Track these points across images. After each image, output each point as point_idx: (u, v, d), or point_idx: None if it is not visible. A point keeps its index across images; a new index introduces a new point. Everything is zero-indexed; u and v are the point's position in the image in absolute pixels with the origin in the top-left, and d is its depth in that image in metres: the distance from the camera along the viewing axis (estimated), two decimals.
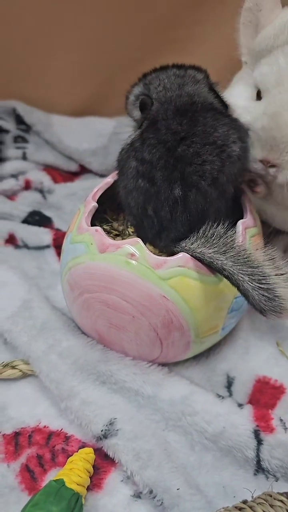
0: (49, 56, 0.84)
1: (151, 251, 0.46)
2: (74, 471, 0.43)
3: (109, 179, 0.56)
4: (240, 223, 0.51)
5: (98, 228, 0.48)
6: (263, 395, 0.53)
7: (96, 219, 0.55)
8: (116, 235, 0.56)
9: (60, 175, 0.85)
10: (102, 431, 0.46)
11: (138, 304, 0.46)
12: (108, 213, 0.60)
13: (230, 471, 0.46)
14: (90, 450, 0.46)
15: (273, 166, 0.50)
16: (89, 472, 0.44)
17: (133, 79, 0.88)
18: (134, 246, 0.46)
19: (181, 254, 0.46)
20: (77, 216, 0.53)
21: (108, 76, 0.88)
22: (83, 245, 0.48)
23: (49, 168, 0.85)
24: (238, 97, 0.54)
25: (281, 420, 0.48)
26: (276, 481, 0.45)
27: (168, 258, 0.46)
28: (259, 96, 0.52)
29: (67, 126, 0.85)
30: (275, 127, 0.48)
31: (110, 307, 0.48)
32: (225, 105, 0.53)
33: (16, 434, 0.48)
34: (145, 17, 0.82)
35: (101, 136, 0.84)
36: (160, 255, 0.47)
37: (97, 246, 0.47)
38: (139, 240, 0.46)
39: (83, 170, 0.87)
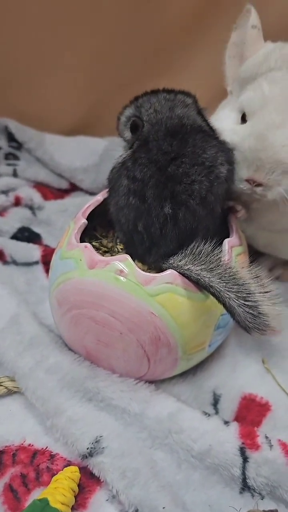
0: (44, 75, 0.86)
1: (140, 268, 0.47)
2: (58, 490, 0.42)
3: (99, 197, 0.57)
4: (226, 241, 0.52)
5: (88, 244, 0.49)
6: (249, 413, 0.53)
7: (86, 236, 0.56)
8: (105, 252, 0.57)
9: (51, 192, 0.86)
10: (88, 449, 0.46)
11: (126, 320, 0.46)
12: (97, 230, 0.60)
13: (216, 490, 0.46)
14: (76, 468, 0.46)
15: (259, 185, 0.51)
16: (74, 491, 0.44)
17: (126, 101, 0.90)
18: (123, 262, 0.47)
19: (169, 271, 0.47)
20: (66, 232, 0.54)
21: (101, 97, 0.90)
22: (72, 261, 0.49)
23: (39, 185, 0.86)
24: (224, 121, 0.57)
25: (266, 437, 0.48)
26: (262, 499, 0.45)
27: (157, 274, 0.47)
28: (244, 119, 0.54)
29: (59, 144, 0.87)
30: (261, 148, 0.49)
31: (98, 324, 0.48)
32: (212, 129, 0.55)
33: (0, 453, 0.47)
34: (139, 42, 0.85)
35: (93, 155, 0.85)
36: (149, 272, 0.48)
37: (87, 262, 0.48)
38: (128, 256, 0.47)
39: (74, 188, 0.88)
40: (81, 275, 0.48)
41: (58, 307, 0.52)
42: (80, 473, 0.46)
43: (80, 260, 0.48)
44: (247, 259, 0.56)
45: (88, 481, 0.46)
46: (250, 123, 0.52)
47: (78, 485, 0.45)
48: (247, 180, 0.52)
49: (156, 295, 0.46)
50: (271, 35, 0.58)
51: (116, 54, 0.85)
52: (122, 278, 0.46)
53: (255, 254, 0.67)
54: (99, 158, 0.85)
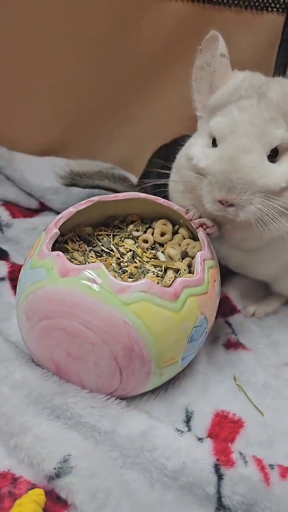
0: (18, 96, 0.87)
1: (114, 276, 0.46)
2: None
3: (72, 209, 0.57)
4: (199, 254, 0.53)
5: (60, 253, 0.48)
6: (222, 430, 0.52)
7: (57, 250, 0.55)
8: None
9: (20, 211, 0.85)
10: (55, 469, 0.43)
11: (99, 330, 0.45)
12: (69, 244, 0.60)
13: (191, 510, 0.44)
14: (41, 491, 0.42)
15: (231, 205, 0.53)
16: None
17: (98, 125, 0.93)
18: (96, 270, 0.46)
19: (144, 280, 0.47)
20: (37, 243, 0.52)
21: (74, 121, 0.91)
22: (43, 269, 0.48)
23: (8, 204, 0.85)
24: (196, 146, 0.59)
25: (241, 453, 0.47)
26: None
27: (132, 283, 0.46)
28: (214, 143, 0.56)
29: (30, 164, 0.86)
30: (232, 170, 0.51)
31: (69, 334, 0.46)
32: None
33: None
34: (114, 68, 0.87)
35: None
36: (125, 281, 0.47)
37: (59, 270, 0.46)
38: (101, 265, 0.46)
39: (43, 208, 0.88)
40: (53, 283, 0.46)
41: (26, 320, 0.49)
42: (45, 496, 0.42)
43: (52, 268, 0.47)
44: (218, 274, 0.57)
45: (54, 505, 0.42)
46: (221, 147, 0.54)
47: (44, 510, 0.41)
48: (220, 201, 0.53)
49: (131, 304, 0.45)
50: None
51: (91, 79, 0.88)
52: (95, 286, 0.45)
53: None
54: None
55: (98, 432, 0.48)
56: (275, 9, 0.85)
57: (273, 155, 0.53)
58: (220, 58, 0.58)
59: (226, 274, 0.73)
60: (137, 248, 0.61)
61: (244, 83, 0.56)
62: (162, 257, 0.60)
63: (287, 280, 0.67)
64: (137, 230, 0.65)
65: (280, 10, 0.85)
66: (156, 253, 0.61)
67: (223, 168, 0.52)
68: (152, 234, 0.63)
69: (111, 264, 0.57)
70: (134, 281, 0.49)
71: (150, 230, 0.64)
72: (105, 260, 0.57)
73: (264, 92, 0.54)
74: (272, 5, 0.84)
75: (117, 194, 0.62)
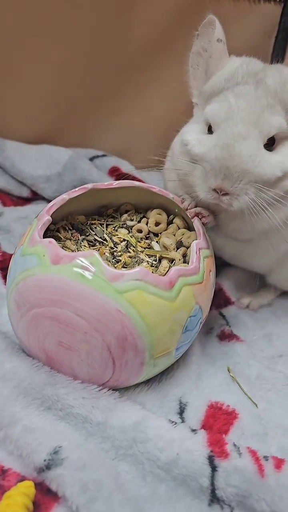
0: (9, 84, 0.85)
1: (108, 264, 0.45)
2: (11, 508, 0.38)
3: (65, 196, 0.55)
4: (194, 243, 0.52)
5: (52, 239, 0.47)
6: (216, 421, 0.51)
7: (49, 238, 0.53)
8: None
9: (11, 200, 0.83)
10: (45, 460, 0.42)
11: (92, 318, 0.44)
12: (61, 232, 0.58)
13: (184, 503, 0.43)
14: (30, 483, 0.41)
15: (226, 194, 0.52)
16: (29, 509, 0.39)
17: (91, 114, 0.91)
18: (89, 258, 0.45)
19: (138, 268, 0.46)
20: (29, 230, 0.51)
21: (66, 109, 0.89)
22: (35, 257, 0.46)
23: None
24: (191, 133, 0.57)
25: (235, 445, 0.46)
26: (231, 511, 0.43)
27: (126, 271, 0.45)
28: (210, 130, 0.55)
29: (22, 152, 0.84)
30: (228, 157, 0.50)
31: (61, 323, 0.45)
32: None
33: None
34: (106, 57, 0.86)
35: (57, 164, 0.84)
36: (115, 267, 0.46)
37: (50, 257, 0.45)
38: (95, 252, 0.45)
39: (35, 197, 0.86)
40: (44, 271, 0.45)
41: (17, 308, 0.48)
42: (35, 489, 0.41)
43: (44, 255, 0.46)
44: (214, 264, 0.56)
45: (44, 497, 0.41)
46: (217, 133, 0.53)
47: (33, 503, 0.40)
48: (215, 189, 0.52)
49: (124, 292, 0.44)
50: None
51: (84, 67, 0.86)
52: (88, 274, 0.44)
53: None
54: (63, 167, 0.84)
55: (90, 423, 0.47)
56: (272, 0, 0.84)
57: (270, 144, 0.52)
58: (217, 43, 0.57)
59: (221, 265, 0.72)
60: (131, 237, 0.60)
61: (241, 69, 0.55)
62: (156, 247, 0.59)
63: (281, 272, 0.67)
64: (131, 220, 0.64)
65: (277, 0, 0.83)
66: (150, 242, 0.60)
67: (219, 155, 0.50)
68: (147, 223, 0.62)
69: (104, 254, 0.55)
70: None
71: (144, 219, 0.63)
72: (98, 250, 0.56)
73: (262, 78, 0.53)
74: None
75: (111, 182, 0.61)
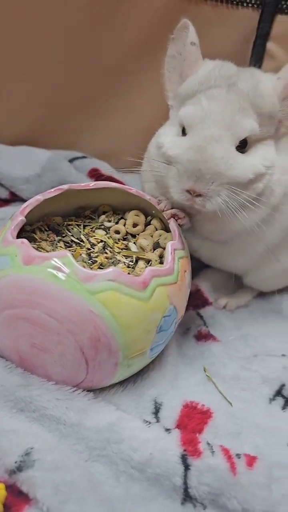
0: None
1: (83, 267, 0.45)
2: None
3: (39, 197, 0.55)
4: (169, 244, 0.52)
5: (25, 240, 0.47)
6: (191, 420, 0.51)
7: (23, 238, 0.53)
8: None
9: None
10: (16, 462, 0.42)
11: (64, 319, 0.44)
12: (37, 233, 0.58)
13: (157, 502, 0.43)
14: (1, 486, 0.41)
15: (199, 195, 0.52)
16: None
17: (73, 116, 0.91)
18: (62, 258, 0.45)
19: (112, 269, 0.46)
20: (2, 231, 0.51)
21: (48, 112, 0.89)
22: (7, 257, 0.46)
23: None
24: (166, 135, 0.58)
25: (208, 444, 0.47)
26: (204, 509, 0.43)
27: (99, 271, 0.45)
28: (184, 132, 0.55)
29: (0, 153, 0.84)
30: (201, 160, 0.51)
31: (33, 324, 0.45)
32: None
33: None
34: (91, 59, 0.85)
35: (36, 165, 0.83)
36: (91, 268, 0.46)
37: (22, 258, 0.45)
38: (68, 253, 0.45)
39: (14, 198, 0.85)
40: (16, 271, 0.45)
41: None
42: (6, 491, 0.41)
43: (16, 256, 0.45)
44: (189, 265, 0.57)
45: (16, 499, 0.41)
46: (190, 136, 0.53)
47: (4, 505, 0.40)
48: (188, 191, 0.52)
49: (97, 293, 0.44)
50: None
51: (68, 70, 0.85)
52: (60, 274, 0.44)
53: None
54: (42, 168, 0.83)
55: (64, 424, 0.46)
56: (250, 5, 0.85)
57: (242, 146, 0.53)
58: (190, 46, 0.57)
59: (199, 267, 0.73)
60: (108, 239, 0.60)
61: (213, 72, 0.55)
62: (134, 248, 0.60)
63: (257, 273, 0.68)
64: (109, 221, 0.64)
65: (255, 6, 0.85)
66: (127, 244, 0.60)
67: (191, 158, 0.51)
68: (124, 225, 0.62)
69: (80, 255, 0.55)
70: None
71: (122, 221, 0.63)
72: (74, 250, 0.56)
73: (235, 82, 0.53)
74: (248, 0, 0.84)
75: (87, 183, 0.61)
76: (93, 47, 0.85)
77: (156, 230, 0.62)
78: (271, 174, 0.54)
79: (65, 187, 0.58)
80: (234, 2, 0.84)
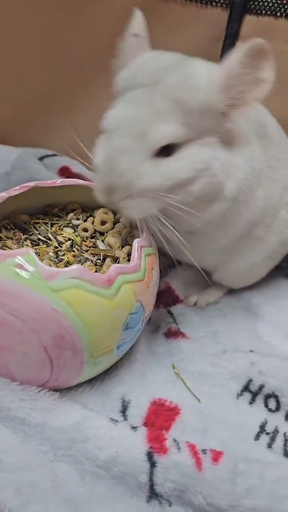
0: None
1: (50, 265, 0.45)
2: None
3: (4, 194, 0.54)
4: (136, 241, 0.52)
5: None
6: (158, 418, 0.51)
7: None
8: None
9: None
10: None
11: (27, 318, 0.43)
12: (2, 231, 0.57)
13: (122, 501, 0.43)
14: None
15: None
16: None
17: (42, 114, 0.90)
18: (24, 256, 0.44)
19: (75, 266, 0.45)
20: None
21: (17, 110, 0.88)
22: None
23: None
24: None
25: (174, 440, 0.47)
26: (170, 506, 0.43)
27: (62, 269, 0.44)
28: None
29: None
30: (112, 172, 0.48)
31: None
32: None
33: None
34: (60, 58, 0.84)
35: (5, 163, 0.82)
36: (58, 266, 0.45)
37: None
38: (30, 250, 0.44)
39: None
40: None
41: None
42: None
43: None
44: (157, 262, 0.57)
45: None
46: (107, 144, 0.50)
47: None
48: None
49: (60, 291, 0.43)
50: None
51: (36, 68, 0.84)
52: (23, 272, 0.43)
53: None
54: (11, 166, 0.82)
55: (29, 425, 0.46)
56: (219, 5, 0.86)
57: (166, 150, 0.49)
58: (131, 37, 0.55)
59: (170, 265, 0.73)
60: (76, 237, 0.60)
61: (144, 66, 0.51)
62: (102, 246, 0.59)
63: (225, 270, 0.68)
64: (77, 219, 0.63)
65: (224, 6, 0.86)
66: (95, 242, 0.60)
67: (103, 170, 0.49)
68: (93, 222, 0.62)
69: (47, 253, 0.55)
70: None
71: (90, 218, 0.63)
72: (40, 249, 0.55)
73: (163, 77, 0.48)
74: (217, 0, 0.85)
75: (54, 180, 0.60)
76: (62, 45, 0.84)
77: (125, 227, 0.62)
78: (211, 176, 0.50)
79: (31, 184, 0.57)
80: (204, 1, 0.84)
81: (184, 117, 0.48)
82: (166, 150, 0.49)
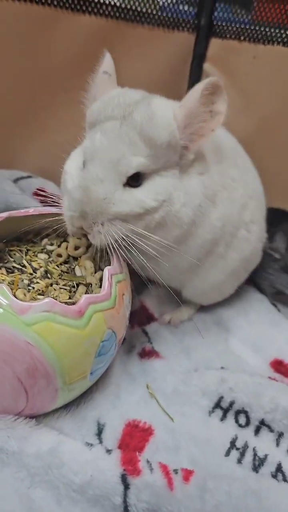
0: None
1: (24, 294, 0.46)
2: None
3: None
4: (106, 270, 0.54)
5: None
6: (132, 439, 0.53)
7: None
8: None
9: None
10: None
11: (0, 352, 0.45)
12: None
13: None
14: None
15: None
16: None
17: (15, 136, 0.91)
18: None
19: (47, 299, 0.47)
20: None
21: None
22: None
23: None
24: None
25: (147, 461, 0.49)
26: None
27: (33, 303, 0.46)
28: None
29: None
30: (85, 200, 0.52)
31: None
32: None
33: None
34: (30, 77, 0.85)
35: None
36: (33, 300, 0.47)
37: None
38: (3, 285, 0.46)
39: None
40: None
41: None
42: None
43: None
44: (128, 286, 0.59)
45: None
46: (83, 172, 0.54)
47: None
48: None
49: (33, 324, 0.45)
50: None
51: (5, 87, 0.85)
52: None
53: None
54: None
55: (6, 453, 0.47)
56: (185, 29, 0.89)
57: (135, 180, 0.53)
58: (102, 74, 0.59)
59: (143, 283, 0.75)
60: (50, 263, 0.61)
61: (113, 101, 0.55)
62: (77, 271, 0.61)
63: (191, 288, 0.70)
64: (51, 244, 0.65)
65: (191, 30, 0.89)
66: (69, 267, 0.62)
67: (78, 197, 0.52)
68: (67, 248, 0.63)
69: (22, 281, 0.56)
70: (44, 297, 0.49)
71: (64, 244, 0.65)
72: (14, 278, 0.57)
73: (130, 112, 0.53)
74: (183, 24, 0.88)
75: (27, 209, 0.62)
76: (23, 68, 0.85)
77: (98, 252, 0.64)
78: (170, 205, 0.54)
79: (4, 215, 0.59)
80: (170, 26, 0.87)
81: (150, 151, 0.53)
82: (134, 180, 0.53)
